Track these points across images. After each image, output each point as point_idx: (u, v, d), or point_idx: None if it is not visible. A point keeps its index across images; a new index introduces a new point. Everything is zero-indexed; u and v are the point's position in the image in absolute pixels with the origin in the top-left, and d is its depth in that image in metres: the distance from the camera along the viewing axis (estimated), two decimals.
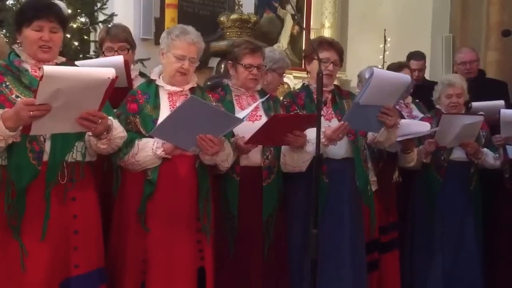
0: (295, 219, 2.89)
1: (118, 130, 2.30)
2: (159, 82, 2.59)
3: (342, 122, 2.73)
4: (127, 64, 2.77)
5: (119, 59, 2.74)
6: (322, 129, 2.70)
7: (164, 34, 2.61)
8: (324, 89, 2.89)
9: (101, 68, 2.03)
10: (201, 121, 2.33)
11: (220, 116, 2.38)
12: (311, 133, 2.55)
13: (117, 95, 2.56)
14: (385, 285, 3.38)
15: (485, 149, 3.55)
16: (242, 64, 2.75)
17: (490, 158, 3.55)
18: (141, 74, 3.14)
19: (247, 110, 2.52)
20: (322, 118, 2.82)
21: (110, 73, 1.99)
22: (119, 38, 3.01)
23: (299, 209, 2.88)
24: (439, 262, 3.50)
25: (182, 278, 2.45)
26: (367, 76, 2.63)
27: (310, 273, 2.12)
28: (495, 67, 5.58)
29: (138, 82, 2.89)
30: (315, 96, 2.33)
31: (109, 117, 2.22)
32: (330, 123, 2.88)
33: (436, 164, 3.51)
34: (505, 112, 3.54)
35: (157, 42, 5.30)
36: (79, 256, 2.25)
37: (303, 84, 3.12)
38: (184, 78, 2.55)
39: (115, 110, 2.48)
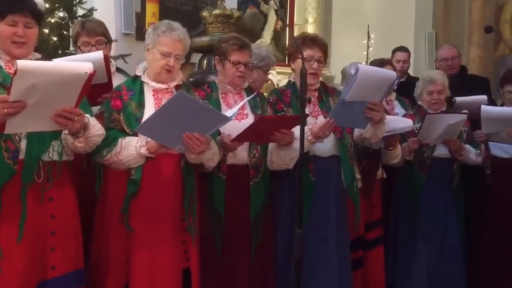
0: (281, 217, 2.87)
1: (96, 128, 2.24)
2: (144, 78, 2.54)
3: (328, 119, 2.71)
4: (106, 59, 2.70)
5: (98, 54, 2.67)
6: (309, 126, 2.69)
7: (149, 30, 2.55)
8: (310, 88, 2.87)
9: (78, 62, 1.96)
10: (188, 118, 2.28)
11: (208, 114, 2.33)
12: (298, 131, 2.51)
13: (96, 91, 2.51)
14: (369, 282, 3.38)
15: (467, 146, 3.57)
16: (230, 60, 2.72)
17: (472, 154, 3.57)
18: (119, 70, 3.07)
19: (235, 109, 2.48)
20: (308, 115, 2.81)
21: (88, 67, 1.93)
22: (96, 32, 2.93)
23: (285, 207, 2.86)
24: (422, 259, 3.51)
25: (166, 280, 2.41)
26: (352, 72, 2.60)
27: (294, 272, 2.10)
28: (478, 63, 5.62)
29: (115, 78, 2.83)
30: None
31: (86, 115, 2.16)
32: (316, 120, 2.86)
33: (419, 161, 3.52)
34: (486, 109, 3.55)
35: (138, 37, 5.29)
36: (57, 258, 2.20)
37: (289, 81, 3.10)
38: (169, 76, 2.50)
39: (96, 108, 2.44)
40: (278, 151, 2.70)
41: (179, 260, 2.45)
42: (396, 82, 3.88)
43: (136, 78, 2.56)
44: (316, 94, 2.99)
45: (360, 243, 3.27)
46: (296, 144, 2.63)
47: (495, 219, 3.67)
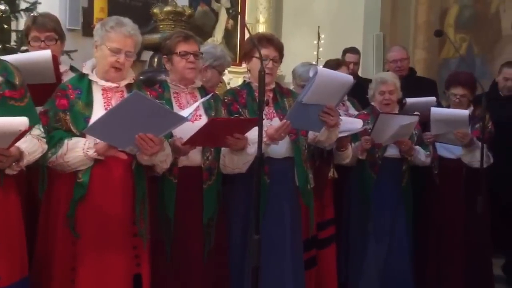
0: (235, 221, 2.83)
1: (34, 154, 2.14)
2: (92, 77, 2.42)
3: (284, 121, 2.69)
4: (55, 59, 2.58)
5: (46, 54, 2.54)
6: (264, 128, 2.66)
7: (98, 26, 2.45)
8: (266, 88, 2.84)
9: (14, 119, 1.94)
10: (142, 119, 2.19)
11: (164, 114, 2.25)
12: (253, 132, 2.48)
13: (44, 91, 2.40)
14: (322, 281, 3.40)
15: (417, 147, 3.64)
16: (177, 53, 2.64)
17: (421, 155, 3.65)
18: (72, 69, 2.93)
19: (191, 109, 2.39)
20: (264, 118, 2.78)
21: (23, 124, 1.93)
22: (46, 28, 2.81)
23: (239, 211, 2.83)
24: (373, 256, 3.56)
25: (116, 286, 2.32)
26: (311, 74, 2.60)
27: (251, 280, 2.06)
28: (423, 65, 5.78)
29: (68, 77, 2.69)
30: (257, 95, 2.28)
31: (21, 146, 2.05)
32: (271, 122, 2.84)
33: (371, 161, 3.56)
34: (435, 111, 3.65)
35: (85, 33, 5.12)
36: (1, 268, 2.06)
37: (244, 81, 3.05)
38: (119, 74, 2.40)
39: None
40: (231, 155, 2.65)
41: (129, 266, 2.36)
42: None
43: (83, 76, 2.44)
44: (271, 95, 2.97)
45: (314, 243, 3.29)
46: (250, 149, 2.62)
47: (440, 217, 3.76)
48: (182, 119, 2.29)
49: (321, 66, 3.55)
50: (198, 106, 2.62)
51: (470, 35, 5.88)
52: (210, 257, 2.66)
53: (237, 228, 2.82)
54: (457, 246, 3.71)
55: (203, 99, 2.56)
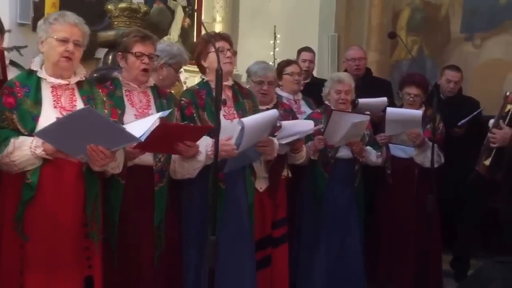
0: (190, 225, 2.81)
1: None
2: (41, 73, 2.35)
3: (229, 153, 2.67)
4: (1, 54, 2.50)
5: None
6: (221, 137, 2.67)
7: (40, 22, 2.39)
8: (224, 83, 2.83)
9: None
10: (95, 132, 2.15)
11: (115, 132, 2.21)
12: (204, 142, 2.55)
13: None
14: (274, 280, 3.41)
15: (368, 148, 3.71)
16: (133, 53, 2.60)
17: (373, 156, 3.73)
18: (13, 64, 2.80)
19: (146, 128, 2.28)
20: (223, 118, 2.77)
21: None
22: None
23: (195, 215, 2.81)
24: (324, 255, 3.60)
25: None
26: (238, 128, 2.65)
27: (208, 281, 2.05)
28: (375, 66, 5.88)
29: (9, 72, 2.60)
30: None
31: None
32: (232, 123, 2.83)
33: (323, 161, 3.61)
34: (391, 110, 3.73)
35: (35, 29, 4.93)
36: None
37: (202, 79, 3.02)
38: (70, 64, 2.34)
39: None
40: (182, 162, 2.64)
41: (80, 268, 2.31)
42: (302, 83, 4.00)
43: (32, 72, 2.36)
44: (231, 94, 2.97)
45: (268, 242, 3.31)
46: (201, 156, 2.61)
47: (392, 216, 3.84)
48: (134, 139, 2.24)
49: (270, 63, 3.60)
50: (149, 106, 2.59)
51: (421, 38, 6.02)
52: (162, 260, 2.62)
53: (193, 233, 2.80)
54: (408, 244, 3.81)
55: (159, 114, 2.44)
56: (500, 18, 5.24)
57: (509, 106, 3.16)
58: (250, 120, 2.68)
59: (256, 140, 2.79)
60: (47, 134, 2.15)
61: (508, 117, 3.15)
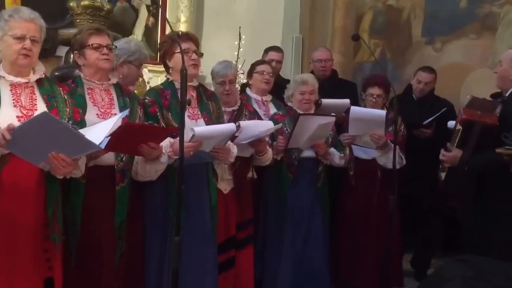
0: (152, 226, 2.78)
1: None
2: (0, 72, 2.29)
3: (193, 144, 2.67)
4: None
5: None
6: (171, 140, 2.66)
7: None
8: (189, 84, 2.81)
9: None
10: (55, 139, 2.11)
11: (75, 139, 2.17)
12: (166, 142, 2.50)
13: None
14: (239, 281, 3.42)
15: (332, 149, 3.75)
16: (90, 45, 2.54)
17: (336, 158, 3.77)
18: None
19: (107, 131, 2.24)
20: (187, 118, 2.75)
21: None
22: None
23: (157, 216, 2.78)
24: (289, 256, 3.62)
25: None
26: (190, 134, 2.65)
27: (171, 282, 2.04)
28: (339, 68, 5.91)
29: None
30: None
31: None
32: (197, 123, 2.82)
33: (287, 162, 3.63)
34: (355, 110, 3.77)
35: None
36: None
37: (167, 79, 2.98)
38: (28, 61, 2.29)
39: None
40: (145, 164, 2.61)
41: (39, 269, 2.26)
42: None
43: None
44: (195, 94, 2.95)
45: (232, 243, 3.30)
46: (163, 158, 2.59)
47: (355, 216, 3.91)
48: (95, 147, 2.20)
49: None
50: (113, 104, 2.54)
51: (383, 41, 6.11)
52: (123, 262, 2.59)
53: (155, 234, 2.77)
54: (370, 243, 3.88)
55: (120, 115, 2.41)
56: (460, 23, 5.36)
57: (458, 127, 3.17)
58: (203, 130, 2.69)
59: (209, 147, 2.79)
60: (8, 141, 2.09)
61: (457, 139, 3.14)
